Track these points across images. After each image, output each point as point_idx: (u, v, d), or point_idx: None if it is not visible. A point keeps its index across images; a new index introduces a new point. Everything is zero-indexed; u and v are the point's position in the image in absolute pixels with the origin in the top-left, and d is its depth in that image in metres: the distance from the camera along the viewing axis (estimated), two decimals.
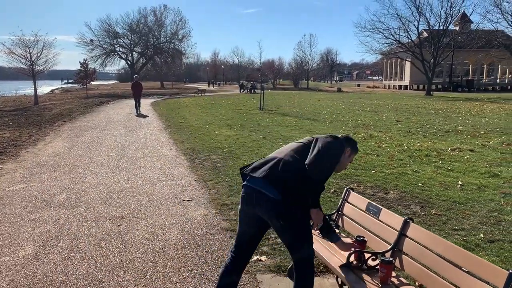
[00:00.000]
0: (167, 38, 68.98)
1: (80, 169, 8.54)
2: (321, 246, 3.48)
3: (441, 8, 52.44)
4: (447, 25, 47.25)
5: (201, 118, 19.25)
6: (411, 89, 62.13)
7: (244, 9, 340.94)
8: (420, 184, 7.08)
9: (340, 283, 3.05)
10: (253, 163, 3.07)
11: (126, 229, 5.15)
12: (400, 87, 66.68)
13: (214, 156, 9.77)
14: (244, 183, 2.99)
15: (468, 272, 2.51)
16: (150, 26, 68.08)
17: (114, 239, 4.84)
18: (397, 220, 3.15)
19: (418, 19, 48.02)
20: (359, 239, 3.23)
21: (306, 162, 2.79)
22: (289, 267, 3.96)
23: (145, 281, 3.85)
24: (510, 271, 2.23)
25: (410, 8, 48.81)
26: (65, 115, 21.12)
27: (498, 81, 62.53)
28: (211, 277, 3.89)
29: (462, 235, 4.81)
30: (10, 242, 4.79)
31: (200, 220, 5.46)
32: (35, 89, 31.12)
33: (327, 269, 4.01)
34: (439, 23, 47.40)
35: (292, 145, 3.09)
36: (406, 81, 64.84)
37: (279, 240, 4.73)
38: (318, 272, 4.00)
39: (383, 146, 10.96)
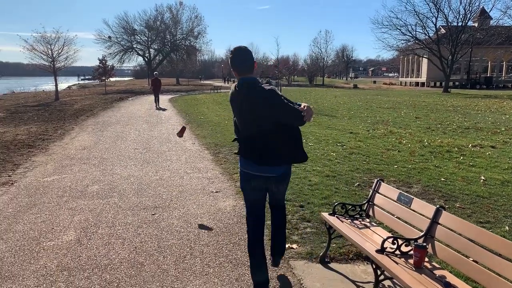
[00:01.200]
0: (183, 35, 69.39)
1: (108, 162, 8.82)
2: (354, 233, 3.65)
3: (460, 4, 52.23)
4: (466, 21, 46.74)
5: (220, 114, 19.48)
6: (428, 86, 61.57)
7: (257, 5, 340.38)
8: (442, 179, 7.18)
9: (374, 267, 3.21)
10: None
11: (160, 217, 5.39)
12: (417, 84, 66.12)
13: (236, 150, 9.96)
14: None
15: (501, 255, 2.66)
16: (167, 23, 68.56)
17: (150, 226, 5.08)
18: (429, 209, 3.30)
19: (436, 16, 47.66)
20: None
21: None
22: (321, 254, 4.14)
23: (184, 265, 4.07)
24: None
25: (428, 4, 48.47)
26: (87, 110, 21.57)
27: None
28: (246, 262, 4.09)
29: (488, 228, 4.92)
30: (53, 228, 5.06)
31: (230, 210, 5.67)
32: (56, 85, 31.77)
33: (357, 257, 4.19)
34: (458, 19, 46.96)
35: None
36: (423, 78, 64.25)
37: (308, 229, 4.92)
38: (349, 259, 4.18)
39: (404, 142, 11.04)
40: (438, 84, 58.60)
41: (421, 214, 3.38)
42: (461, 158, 8.97)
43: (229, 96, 3.48)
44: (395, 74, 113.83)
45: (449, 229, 3.09)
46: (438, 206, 3.23)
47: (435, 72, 53.54)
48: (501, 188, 6.63)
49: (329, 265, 4.05)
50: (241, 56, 3.35)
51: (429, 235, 3.22)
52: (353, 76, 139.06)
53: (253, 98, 3.24)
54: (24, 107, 23.94)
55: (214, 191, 6.63)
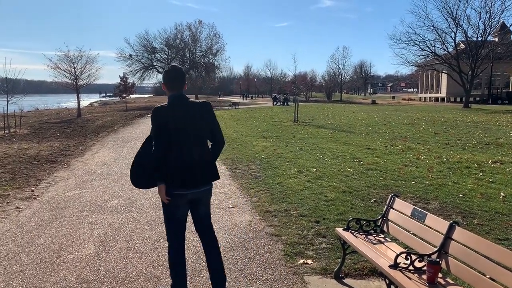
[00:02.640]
0: (202, 53, 70.57)
1: (128, 177, 8.96)
2: (367, 248, 3.66)
3: (479, 19, 51.41)
4: (486, 36, 46.31)
5: (237, 130, 19.66)
6: (448, 102, 60.86)
7: (276, 22, 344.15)
8: (461, 195, 7.10)
9: (388, 283, 3.21)
10: None
11: None
12: (436, 99, 65.44)
13: (253, 166, 10.06)
14: None
15: None
16: (186, 41, 69.86)
17: (167, 241, 5.15)
18: (442, 224, 3.30)
19: (455, 31, 47.32)
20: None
21: None
22: (335, 269, 4.15)
23: (199, 279, 4.13)
24: None
25: (447, 20, 48.04)
26: (107, 126, 22.03)
27: None
28: (260, 277, 4.12)
29: (506, 245, 4.85)
30: (73, 242, 5.20)
31: (246, 226, 5.72)
32: (78, 102, 32.59)
33: (372, 273, 4.18)
34: (477, 34, 46.56)
35: None
36: (443, 94, 63.59)
37: (323, 245, 4.93)
38: (364, 275, 4.18)
39: (422, 158, 10.94)
40: (458, 99, 57.89)
41: (435, 230, 3.38)
42: (481, 174, 8.85)
43: (155, 115, 3.38)
44: (414, 89, 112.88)
45: (463, 245, 3.08)
46: (451, 221, 3.23)
47: (455, 88, 52.95)
48: None
49: (343, 280, 4.05)
50: (175, 73, 3.50)
51: (443, 251, 3.21)
52: (371, 91, 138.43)
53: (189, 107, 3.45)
54: (47, 123, 24.59)
55: (231, 206, 6.69)
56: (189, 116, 3.41)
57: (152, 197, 7.27)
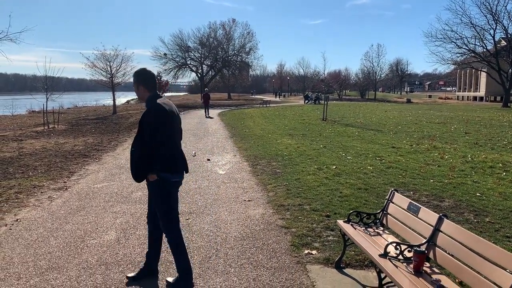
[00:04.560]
0: (235, 51, 71.24)
1: None
2: (363, 238, 3.85)
3: None
4: None
5: (265, 127, 19.92)
6: (487, 101, 58.85)
7: (310, 20, 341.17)
8: (478, 194, 7.09)
9: (378, 271, 3.38)
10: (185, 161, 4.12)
11: (193, 222, 5.80)
12: (475, 98, 63.41)
13: (274, 162, 10.29)
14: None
15: (496, 264, 2.76)
16: (219, 40, 70.65)
17: (183, 230, 5.40)
18: (432, 217, 3.44)
19: (494, 27, 45.65)
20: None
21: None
22: (336, 259, 4.34)
23: (208, 264, 4.42)
24: None
25: (486, 16, 46.44)
26: None
27: None
28: (265, 265, 4.37)
29: None
30: (97, 228, 5.61)
31: (259, 218, 5.97)
32: (114, 100, 33.74)
33: (372, 264, 4.34)
34: None
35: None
36: (482, 92, 61.53)
37: (330, 237, 5.13)
38: (364, 266, 4.35)
39: (446, 157, 10.86)
40: (498, 98, 55.87)
41: (426, 222, 3.52)
42: (504, 174, 8.74)
43: (165, 115, 3.70)
44: (453, 88, 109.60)
45: (450, 237, 3.22)
46: (441, 214, 3.37)
47: (495, 86, 51.15)
48: None
49: (343, 270, 4.25)
50: (152, 73, 3.91)
51: (432, 242, 3.36)
52: (408, 90, 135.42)
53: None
54: (84, 120, 25.68)
55: (247, 200, 6.96)
56: (176, 112, 3.89)
57: None
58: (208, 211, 6.35)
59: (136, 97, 4.30)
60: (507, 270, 2.66)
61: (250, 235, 5.28)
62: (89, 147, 13.37)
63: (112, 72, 31.79)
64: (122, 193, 7.48)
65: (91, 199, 7.09)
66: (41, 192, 7.58)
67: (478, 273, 2.86)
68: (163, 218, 3.92)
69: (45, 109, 21.60)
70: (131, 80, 4.07)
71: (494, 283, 2.68)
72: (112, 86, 32.37)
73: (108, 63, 31.57)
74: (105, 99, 70.11)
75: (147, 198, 7.02)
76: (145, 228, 5.56)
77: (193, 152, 11.93)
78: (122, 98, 69.51)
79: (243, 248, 4.87)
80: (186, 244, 4.95)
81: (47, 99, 22.27)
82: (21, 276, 4.17)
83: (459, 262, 3.03)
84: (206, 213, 6.23)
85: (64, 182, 8.41)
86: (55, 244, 5.02)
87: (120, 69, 32.34)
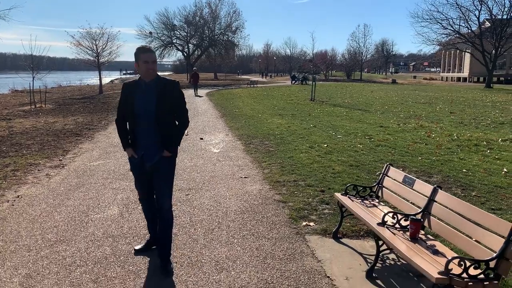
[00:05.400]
0: (221, 30, 70.49)
1: None
2: (361, 209, 4.07)
3: None
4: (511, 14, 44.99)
5: (254, 107, 20.03)
6: (470, 82, 59.74)
7: None
8: (464, 170, 7.40)
9: (376, 239, 3.62)
10: None
11: (193, 197, 5.98)
12: (458, 79, 64.26)
13: (267, 141, 10.48)
14: None
15: (484, 227, 3.02)
16: (206, 19, 69.79)
17: (184, 204, 5.67)
18: (427, 188, 3.68)
19: (479, 9, 46.19)
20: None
21: None
22: (334, 230, 4.58)
23: (212, 235, 4.62)
24: None
25: None
26: None
27: None
28: (266, 235, 4.59)
29: (498, 214, 5.18)
30: (99, 204, 5.74)
31: (256, 193, 6.18)
32: (100, 79, 33.30)
33: (367, 234, 4.60)
34: (503, 12, 45.32)
35: None
36: (465, 73, 62.35)
37: (326, 210, 5.37)
38: (360, 236, 4.60)
39: (433, 135, 11.18)
40: (481, 79, 56.76)
41: (421, 194, 3.76)
42: (488, 151, 9.08)
43: None
44: (437, 69, 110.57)
45: (444, 206, 3.46)
46: (435, 185, 3.61)
47: (478, 67, 51.91)
48: None
49: (340, 240, 4.49)
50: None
51: (427, 211, 3.60)
52: (393, 71, 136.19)
53: None
54: (71, 99, 25.40)
55: (243, 176, 7.16)
56: None
57: None
58: (207, 187, 6.53)
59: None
60: (498, 234, 2.91)
61: (250, 209, 5.49)
62: (80, 126, 13.34)
63: (98, 51, 31.28)
64: (120, 171, 7.59)
65: (89, 176, 7.20)
66: (38, 170, 7.64)
67: (471, 238, 3.11)
68: (170, 196, 4.02)
69: (31, 88, 21.28)
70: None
71: (486, 246, 2.93)
72: (98, 65, 31.88)
73: (94, 42, 31.05)
74: (89, 78, 69.08)
75: None
76: None
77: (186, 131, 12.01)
78: (107, 78, 68.67)
79: (244, 221, 5.07)
80: (188, 218, 5.17)
81: (33, 78, 21.91)
82: (31, 248, 4.31)
83: (453, 229, 3.28)
84: (205, 189, 6.41)
85: (59, 160, 8.47)
86: (59, 219, 5.15)
87: (106, 48, 31.85)
